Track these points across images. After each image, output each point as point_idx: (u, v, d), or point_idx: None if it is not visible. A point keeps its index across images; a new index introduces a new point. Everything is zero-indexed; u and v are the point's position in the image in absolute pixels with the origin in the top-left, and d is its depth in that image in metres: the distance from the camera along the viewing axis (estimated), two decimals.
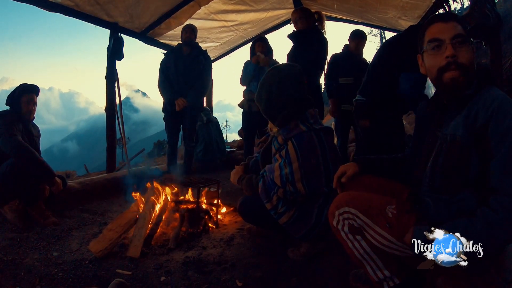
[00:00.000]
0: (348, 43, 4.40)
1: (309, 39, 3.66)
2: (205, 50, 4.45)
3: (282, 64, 2.30)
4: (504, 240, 1.14)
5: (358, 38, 4.30)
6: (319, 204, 2.07)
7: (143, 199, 2.78)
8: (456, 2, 4.54)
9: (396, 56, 2.77)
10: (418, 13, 4.80)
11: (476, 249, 1.14)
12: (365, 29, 4.67)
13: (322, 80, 4.25)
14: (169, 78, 4.23)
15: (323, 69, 3.94)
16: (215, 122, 6.05)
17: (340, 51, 4.46)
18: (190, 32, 4.26)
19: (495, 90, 1.23)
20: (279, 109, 2.10)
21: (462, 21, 1.30)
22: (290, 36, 3.83)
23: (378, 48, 3.22)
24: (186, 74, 4.17)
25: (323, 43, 3.73)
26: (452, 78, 1.25)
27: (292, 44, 3.83)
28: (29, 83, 3.06)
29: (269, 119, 2.23)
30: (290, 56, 3.78)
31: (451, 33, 1.26)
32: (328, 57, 4.01)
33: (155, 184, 2.93)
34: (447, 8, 4.37)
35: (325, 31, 3.84)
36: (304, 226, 2.08)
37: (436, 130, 1.37)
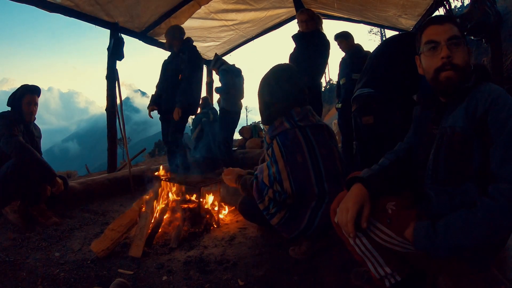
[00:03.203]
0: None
1: (313, 42, 3.70)
2: (185, 47, 4.16)
3: (279, 64, 2.31)
4: (505, 228, 1.13)
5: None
6: (312, 207, 2.03)
7: (145, 198, 2.79)
8: (457, 0, 4.54)
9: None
10: (419, 11, 4.80)
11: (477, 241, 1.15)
12: (365, 28, 4.75)
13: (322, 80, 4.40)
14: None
15: (324, 70, 4.01)
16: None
17: None
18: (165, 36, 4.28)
19: (492, 84, 1.26)
20: (266, 107, 2.15)
21: (457, 22, 1.34)
22: (294, 37, 3.86)
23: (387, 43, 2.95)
24: (168, 78, 4.14)
25: (325, 45, 3.79)
26: (447, 78, 1.29)
27: (295, 45, 3.87)
28: (29, 83, 3.07)
29: (260, 116, 2.27)
30: (293, 57, 3.82)
31: (447, 35, 1.30)
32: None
33: (156, 183, 2.93)
34: (447, 6, 4.36)
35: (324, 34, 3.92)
36: (295, 228, 2.05)
37: (433, 128, 1.38)
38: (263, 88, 2.17)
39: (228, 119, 5.37)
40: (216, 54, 5.64)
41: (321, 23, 3.93)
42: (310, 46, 3.72)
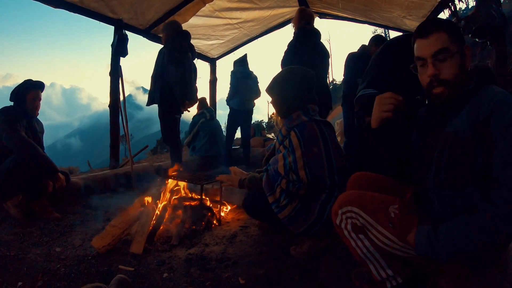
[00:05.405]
0: (366, 44, 4.49)
1: (297, 42, 3.71)
2: (167, 40, 4.01)
3: (297, 66, 2.40)
4: (506, 234, 1.13)
5: (377, 44, 4.32)
6: (321, 201, 2.08)
7: (147, 195, 2.79)
8: (462, 2, 4.52)
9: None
10: (423, 12, 4.78)
11: (478, 247, 1.14)
12: (369, 28, 4.75)
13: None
14: None
15: (326, 68, 3.98)
16: (218, 121, 6.08)
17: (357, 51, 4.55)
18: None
19: (496, 87, 1.24)
20: (285, 102, 2.22)
21: (446, 26, 1.29)
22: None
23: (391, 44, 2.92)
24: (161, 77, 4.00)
25: (315, 42, 3.77)
26: (437, 95, 1.29)
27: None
28: (32, 79, 3.06)
29: (276, 109, 2.33)
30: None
31: (431, 50, 1.27)
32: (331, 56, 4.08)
33: (159, 180, 2.93)
34: (452, 8, 4.34)
35: (311, 26, 3.88)
36: (305, 221, 2.08)
37: (437, 130, 1.37)
38: (284, 84, 2.23)
39: (235, 117, 5.63)
40: (244, 55, 5.75)
41: (299, 20, 3.83)
42: (294, 47, 3.73)
